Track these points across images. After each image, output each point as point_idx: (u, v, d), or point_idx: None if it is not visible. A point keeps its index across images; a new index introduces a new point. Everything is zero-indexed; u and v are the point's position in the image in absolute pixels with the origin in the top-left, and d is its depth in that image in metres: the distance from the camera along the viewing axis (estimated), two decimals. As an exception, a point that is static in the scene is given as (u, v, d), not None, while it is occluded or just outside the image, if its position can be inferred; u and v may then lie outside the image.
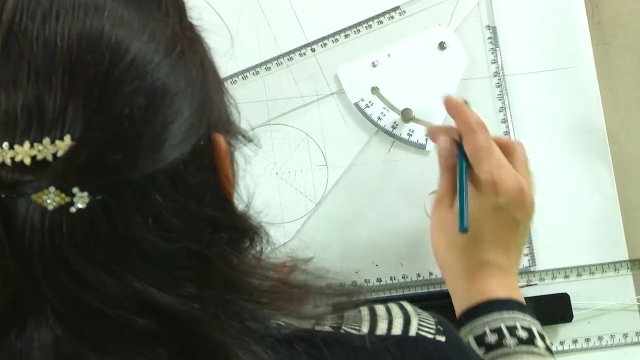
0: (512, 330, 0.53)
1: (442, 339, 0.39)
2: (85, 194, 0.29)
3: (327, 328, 0.37)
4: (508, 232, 0.56)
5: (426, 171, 0.67)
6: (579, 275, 0.66)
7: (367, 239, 0.67)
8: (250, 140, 0.41)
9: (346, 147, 0.67)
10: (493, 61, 0.69)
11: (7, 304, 0.31)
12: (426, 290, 0.66)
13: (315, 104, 0.68)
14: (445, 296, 0.59)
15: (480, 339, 0.53)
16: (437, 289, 0.66)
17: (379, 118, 0.67)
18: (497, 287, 0.55)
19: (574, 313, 0.65)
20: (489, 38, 0.69)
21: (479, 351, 0.53)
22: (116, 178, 0.30)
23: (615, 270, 0.66)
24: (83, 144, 0.29)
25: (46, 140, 0.28)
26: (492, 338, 0.53)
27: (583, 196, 0.67)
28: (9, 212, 0.29)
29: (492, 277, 0.56)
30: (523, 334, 0.52)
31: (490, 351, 0.53)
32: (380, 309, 0.40)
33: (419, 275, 0.67)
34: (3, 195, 0.28)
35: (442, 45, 0.67)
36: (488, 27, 0.69)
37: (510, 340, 0.52)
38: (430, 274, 0.66)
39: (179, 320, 0.32)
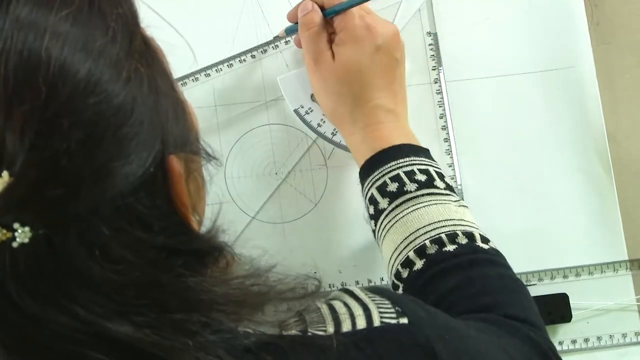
0: (410, 175, 0.53)
1: (405, 320, 0.39)
2: (27, 229, 0.28)
3: (294, 332, 0.37)
4: (392, 74, 0.58)
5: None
6: (577, 275, 0.66)
7: (363, 240, 0.67)
8: (213, 158, 0.40)
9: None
10: (434, 68, 0.68)
11: None
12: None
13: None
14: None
15: (382, 190, 0.54)
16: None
17: (319, 125, 0.65)
18: (391, 134, 0.56)
19: (572, 313, 0.65)
20: (429, 44, 0.68)
21: (384, 201, 0.54)
22: (58, 212, 0.29)
23: (614, 270, 0.66)
24: (21, 180, 0.28)
25: None
26: (393, 187, 0.53)
27: (582, 196, 0.67)
28: None
29: (385, 123, 0.57)
30: (421, 177, 0.53)
31: (394, 199, 0.53)
32: (338, 305, 0.40)
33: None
34: None
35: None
36: (429, 33, 0.68)
37: (410, 186, 0.53)
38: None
39: (136, 350, 0.31)
